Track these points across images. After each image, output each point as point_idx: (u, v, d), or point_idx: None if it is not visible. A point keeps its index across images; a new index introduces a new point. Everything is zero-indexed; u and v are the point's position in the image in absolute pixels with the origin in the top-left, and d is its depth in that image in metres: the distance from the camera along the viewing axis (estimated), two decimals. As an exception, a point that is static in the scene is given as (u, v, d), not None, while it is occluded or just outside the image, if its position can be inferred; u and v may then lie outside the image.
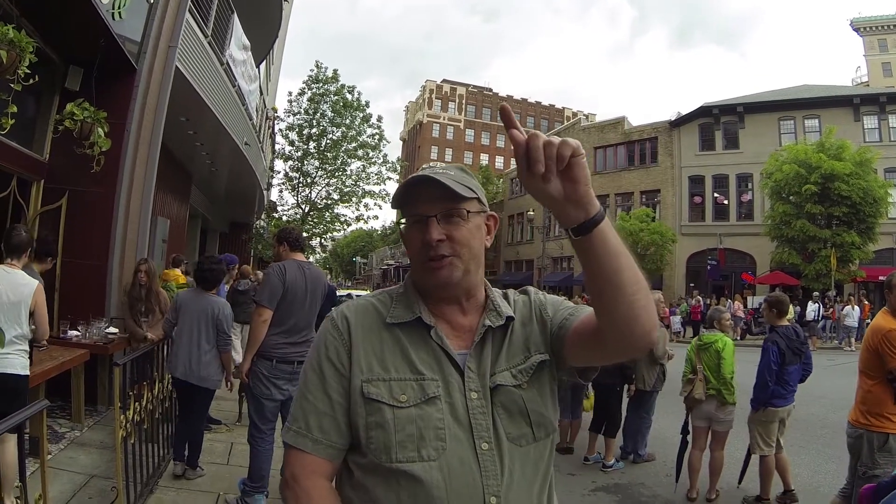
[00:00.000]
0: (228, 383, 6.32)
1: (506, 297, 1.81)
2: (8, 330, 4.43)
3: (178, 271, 9.51)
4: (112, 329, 7.23)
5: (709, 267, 36.01)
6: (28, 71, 5.46)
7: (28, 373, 4.64)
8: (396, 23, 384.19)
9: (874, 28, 68.48)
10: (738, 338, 25.99)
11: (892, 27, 67.75)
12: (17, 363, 4.51)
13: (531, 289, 1.86)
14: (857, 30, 70.02)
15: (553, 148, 1.28)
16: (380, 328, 1.63)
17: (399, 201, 1.67)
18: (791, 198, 28.64)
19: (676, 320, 29.76)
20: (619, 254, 1.41)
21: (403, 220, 1.68)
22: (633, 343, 1.48)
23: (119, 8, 7.12)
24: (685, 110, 41.03)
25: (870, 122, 34.81)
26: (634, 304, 1.41)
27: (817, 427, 6.97)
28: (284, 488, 1.57)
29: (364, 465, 1.54)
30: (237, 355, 7.18)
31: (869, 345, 4.74)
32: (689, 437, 6.82)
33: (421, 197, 1.62)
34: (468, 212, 1.61)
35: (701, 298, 30.75)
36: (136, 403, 5.18)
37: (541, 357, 1.67)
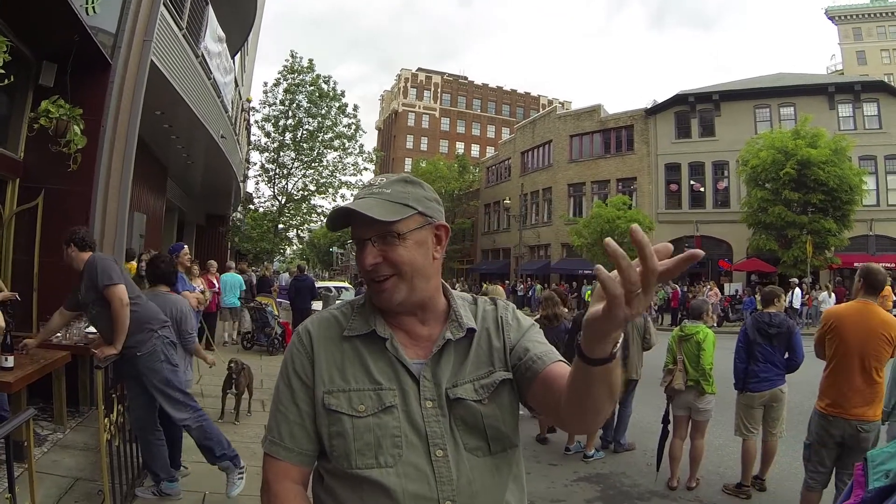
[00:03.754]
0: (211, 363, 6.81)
1: (475, 303, 1.83)
2: None
3: (132, 264, 9.62)
4: (92, 329, 7.15)
5: (685, 254, 36.22)
6: (2, 70, 5.38)
7: None
8: (370, 5, 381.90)
9: (849, 17, 69.28)
10: (715, 325, 26.18)
11: (866, 16, 68.62)
12: None
13: (500, 302, 1.87)
14: (831, 18, 70.75)
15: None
16: (340, 340, 1.68)
17: (332, 227, 1.74)
18: (768, 184, 28.87)
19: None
20: (613, 389, 1.44)
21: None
22: (581, 430, 1.72)
23: (93, 3, 7.03)
24: (661, 98, 41.35)
25: (844, 110, 35.28)
26: (599, 416, 1.51)
27: (794, 413, 7.05)
28: (261, 492, 1.66)
29: (330, 469, 1.63)
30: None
31: (887, 337, 4.84)
32: (670, 427, 6.90)
33: (356, 220, 1.64)
34: (399, 233, 1.62)
35: (678, 286, 30.95)
36: (120, 405, 5.16)
37: (504, 375, 1.70)
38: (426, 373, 1.64)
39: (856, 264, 30.72)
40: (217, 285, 14.50)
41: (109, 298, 5.06)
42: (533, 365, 1.68)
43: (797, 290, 26.08)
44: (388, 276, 1.62)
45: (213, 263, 15.40)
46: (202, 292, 11.95)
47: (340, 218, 1.66)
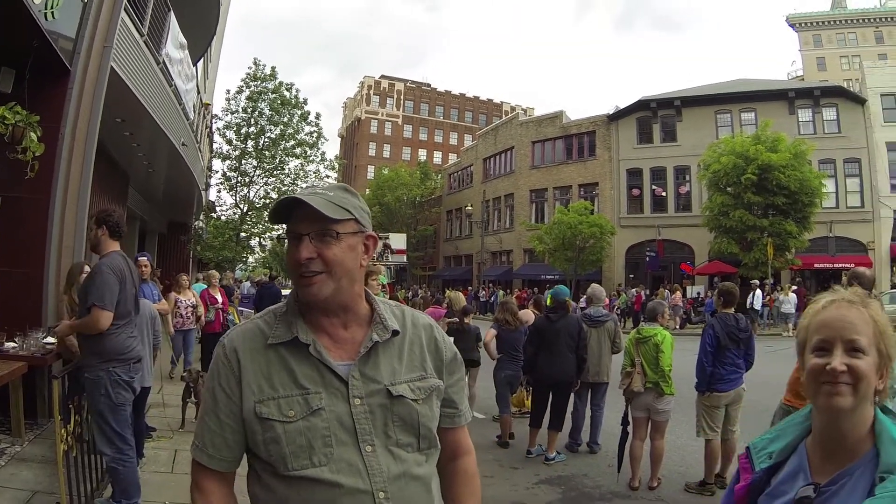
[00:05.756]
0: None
1: (401, 309, 1.95)
2: None
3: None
4: (50, 339, 7.04)
5: (648, 258, 36.69)
6: (-42, 76, 5.30)
7: None
8: (335, 10, 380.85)
9: (809, 24, 70.96)
10: (678, 327, 26.57)
11: (826, 23, 70.26)
12: None
13: (437, 327, 2.00)
14: (792, 25, 72.27)
15: None
16: (265, 349, 1.76)
17: (274, 219, 1.79)
18: (729, 189, 29.36)
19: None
20: None
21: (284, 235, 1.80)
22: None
23: (52, 8, 6.92)
24: (623, 104, 41.80)
25: (804, 115, 36.16)
26: None
27: (758, 412, 7.14)
28: (190, 491, 1.80)
29: (267, 470, 1.72)
30: None
31: None
32: (630, 428, 6.99)
33: (297, 215, 1.73)
34: (338, 233, 1.73)
35: (641, 290, 31.28)
36: (77, 416, 5.09)
37: (437, 382, 1.86)
38: (355, 373, 1.73)
39: (815, 265, 31.61)
40: (220, 300, 12.84)
41: (91, 314, 4.90)
42: (444, 419, 1.91)
43: (757, 291, 26.52)
44: (318, 272, 1.71)
45: (215, 274, 14.39)
46: (193, 306, 11.70)
47: (286, 208, 1.74)
